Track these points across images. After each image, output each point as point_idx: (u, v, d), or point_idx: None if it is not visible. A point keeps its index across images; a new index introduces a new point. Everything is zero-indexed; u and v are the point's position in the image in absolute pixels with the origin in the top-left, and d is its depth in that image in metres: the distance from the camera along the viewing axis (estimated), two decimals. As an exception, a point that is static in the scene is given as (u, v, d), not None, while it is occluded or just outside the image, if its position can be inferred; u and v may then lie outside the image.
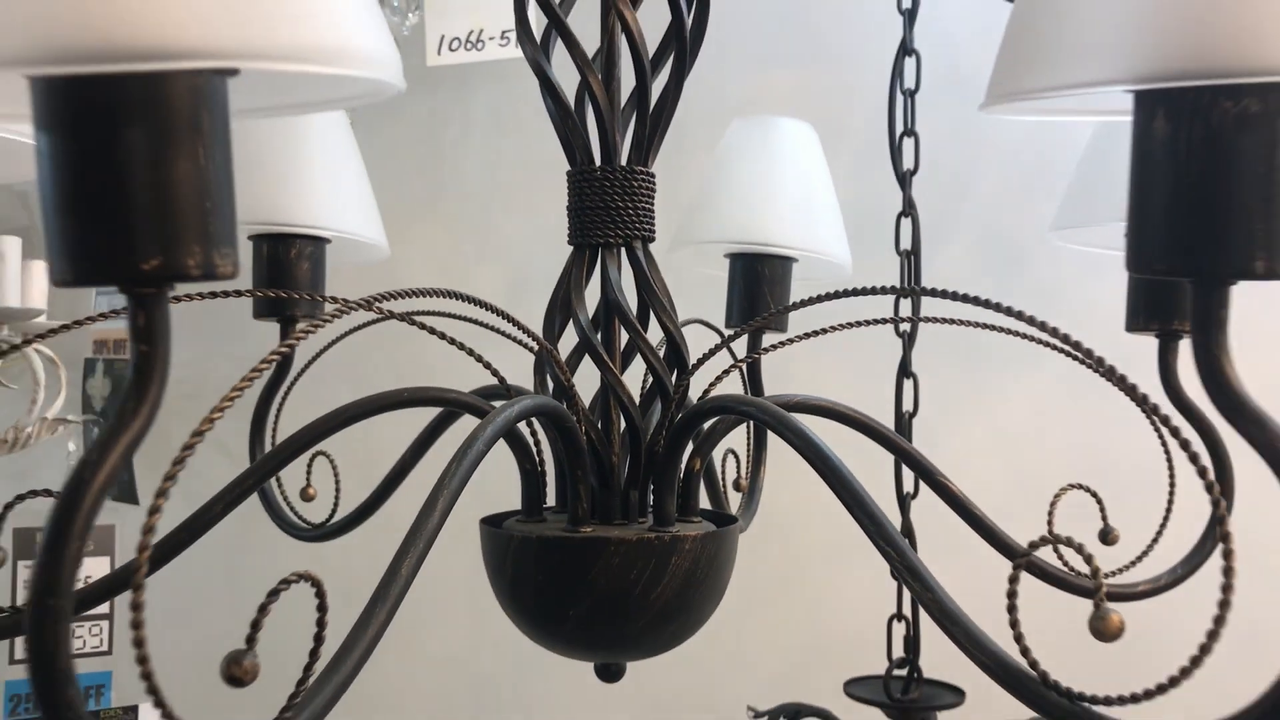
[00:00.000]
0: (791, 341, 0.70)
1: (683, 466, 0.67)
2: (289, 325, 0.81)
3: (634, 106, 0.67)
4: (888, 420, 0.99)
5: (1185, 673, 0.41)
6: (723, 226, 0.91)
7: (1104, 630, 0.44)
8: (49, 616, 0.33)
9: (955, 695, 1.15)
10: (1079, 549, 0.46)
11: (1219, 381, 0.43)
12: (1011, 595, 0.45)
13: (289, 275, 0.78)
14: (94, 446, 0.34)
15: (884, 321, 0.68)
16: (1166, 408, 0.76)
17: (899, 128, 1.20)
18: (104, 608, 1.16)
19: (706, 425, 0.67)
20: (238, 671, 0.37)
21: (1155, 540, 0.77)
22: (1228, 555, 0.41)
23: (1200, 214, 0.41)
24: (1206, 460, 0.74)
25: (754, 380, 0.88)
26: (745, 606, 1.61)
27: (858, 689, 1.17)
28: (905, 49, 1.20)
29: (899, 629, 1.17)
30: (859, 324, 0.66)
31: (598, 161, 0.67)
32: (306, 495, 0.82)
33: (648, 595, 0.61)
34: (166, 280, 0.34)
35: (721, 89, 1.53)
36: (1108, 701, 0.43)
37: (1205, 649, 0.41)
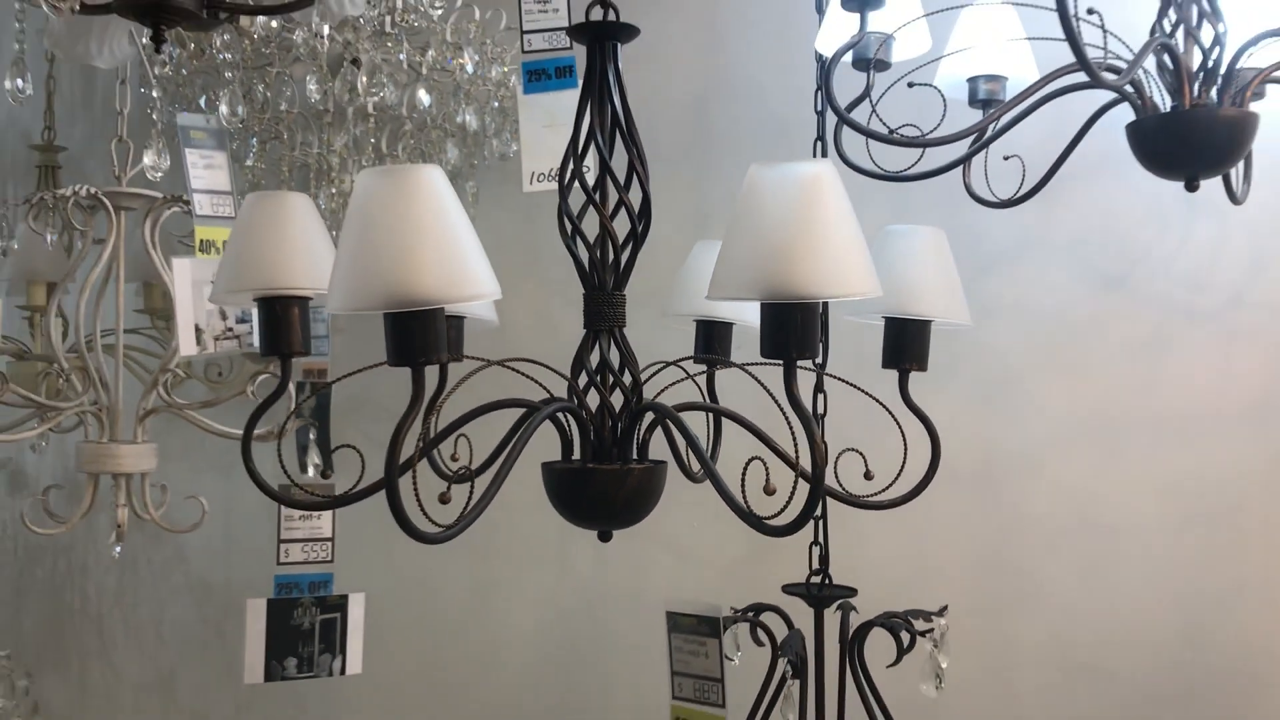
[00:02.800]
0: (726, 366, 1.40)
1: (640, 435, 1.37)
2: (444, 370, 1.53)
3: (618, 257, 1.38)
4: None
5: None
6: (688, 305, 1.62)
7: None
8: (394, 488, 1.06)
9: (849, 592, 1.84)
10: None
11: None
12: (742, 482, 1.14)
13: (458, 344, 1.51)
14: (399, 427, 1.06)
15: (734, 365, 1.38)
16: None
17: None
18: (328, 531, 1.91)
19: (648, 417, 1.38)
20: None
21: (894, 481, 1.44)
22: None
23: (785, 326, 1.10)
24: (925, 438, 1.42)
25: (711, 392, 1.57)
26: (708, 525, 2.32)
27: (791, 588, 1.86)
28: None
29: (815, 551, 1.87)
30: (728, 365, 1.36)
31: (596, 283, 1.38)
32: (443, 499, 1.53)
33: (616, 496, 1.31)
34: (429, 363, 1.07)
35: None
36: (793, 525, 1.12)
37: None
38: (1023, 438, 2.20)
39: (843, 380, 1.45)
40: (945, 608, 1.80)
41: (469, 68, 2.20)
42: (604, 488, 1.31)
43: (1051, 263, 2.18)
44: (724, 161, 2.47)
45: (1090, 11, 1.54)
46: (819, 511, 1.87)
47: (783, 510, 1.15)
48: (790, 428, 1.13)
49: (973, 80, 1.77)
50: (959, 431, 2.24)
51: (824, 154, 1.87)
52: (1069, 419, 2.16)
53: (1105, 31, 1.55)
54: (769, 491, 1.17)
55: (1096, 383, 2.14)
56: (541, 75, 1.86)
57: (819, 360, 1.79)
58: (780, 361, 1.12)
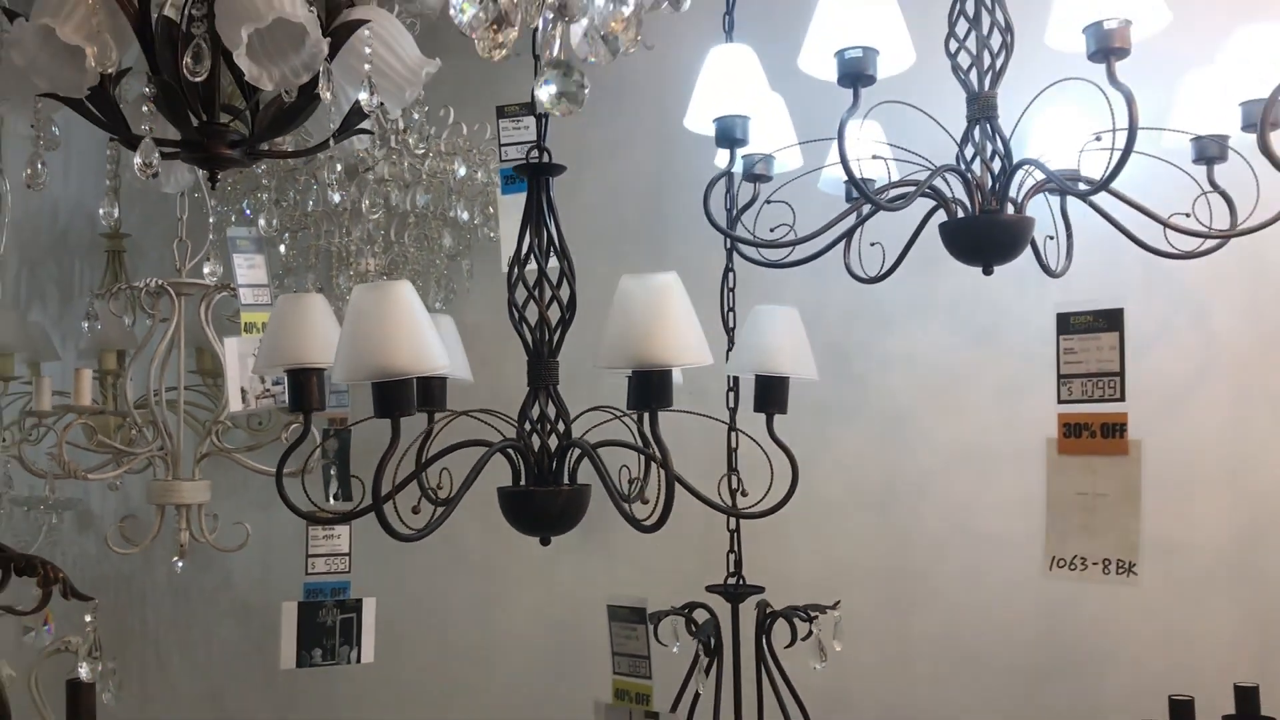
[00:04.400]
0: (619, 416, 1.88)
1: (570, 465, 1.84)
2: (431, 418, 2.02)
3: (551, 336, 1.86)
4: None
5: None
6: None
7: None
8: (379, 505, 1.54)
9: (758, 589, 2.31)
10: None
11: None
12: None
13: (436, 396, 2.00)
14: (381, 460, 1.54)
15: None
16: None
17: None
18: (345, 548, 2.40)
19: (575, 451, 1.86)
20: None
21: (764, 496, 1.91)
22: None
23: (646, 385, 1.58)
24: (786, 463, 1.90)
25: (649, 435, 2.04)
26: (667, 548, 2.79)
27: (713, 588, 2.34)
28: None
29: (731, 557, 2.34)
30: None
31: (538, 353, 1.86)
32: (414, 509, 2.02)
33: (549, 510, 1.79)
34: (402, 414, 1.56)
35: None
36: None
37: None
38: (915, 464, 2.67)
39: (719, 420, 1.93)
40: (838, 602, 2.26)
41: (460, 172, 2.71)
42: (541, 505, 1.79)
43: (935, 321, 2.65)
44: (673, 238, 2.97)
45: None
46: (733, 526, 2.34)
47: (652, 513, 1.62)
48: (647, 456, 1.61)
49: (847, 183, 2.25)
50: (865, 460, 2.71)
51: (733, 246, 2.35)
52: (951, 448, 2.62)
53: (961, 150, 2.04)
54: (625, 499, 1.65)
55: (973, 419, 2.61)
56: (515, 179, 2.35)
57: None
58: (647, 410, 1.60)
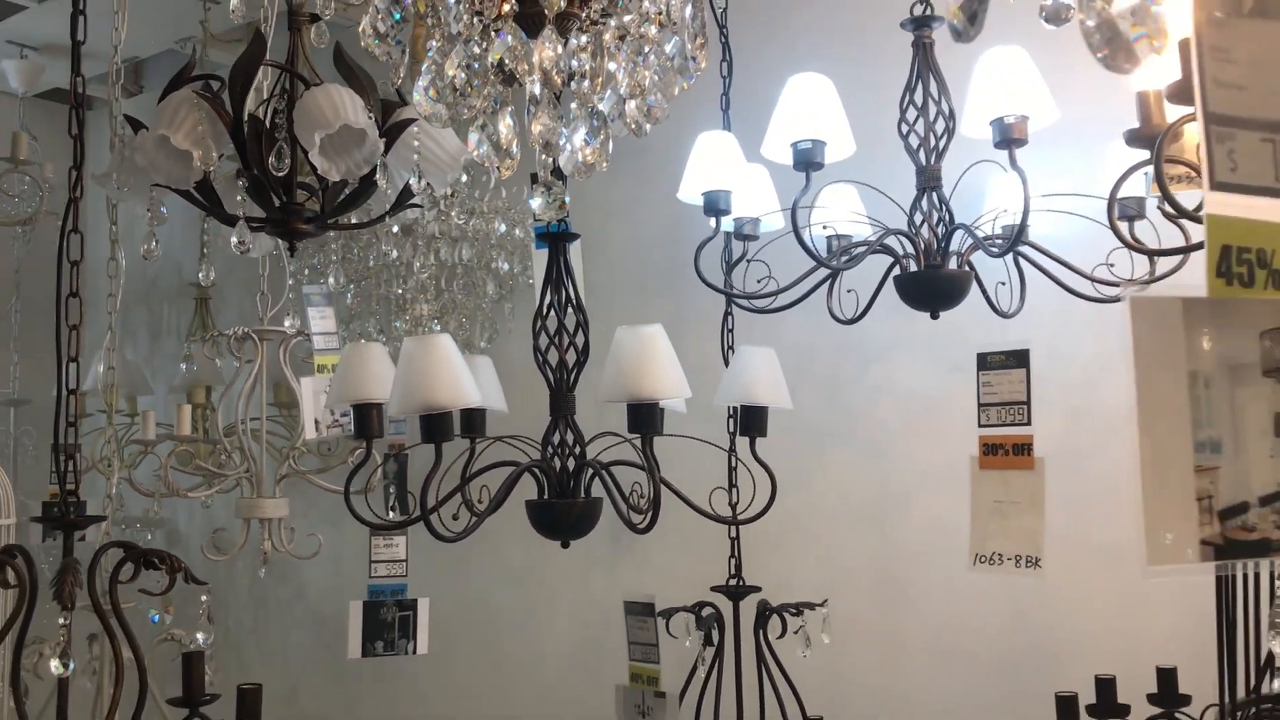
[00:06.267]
0: (623, 440, 2.26)
1: (586, 482, 2.23)
2: (473, 442, 2.42)
3: (569, 375, 2.26)
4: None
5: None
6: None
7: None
8: (426, 515, 1.94)
9: (755, 589, 2.68)
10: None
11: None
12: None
13: (477, 424, 2.39)
14: (427, 477, 1.94)
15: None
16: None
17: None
18: (403, 555, 2.80)
19: (589, 470, 2.24)
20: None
21: (749, 506, 2.28)
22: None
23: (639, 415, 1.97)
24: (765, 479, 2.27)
25: (646, 455, 2.42)
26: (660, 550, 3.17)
27: (716, 588, 2.71)
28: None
29: (732, 562, 2.71)
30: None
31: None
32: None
33: (568, 519, 2.17)
34: (444, 440, 1.95)
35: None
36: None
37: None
38: (901, 482, 3.02)
39: (716, 445, 2.31)
40: (826, 601, 2.63)
41: (500, 229, 3.13)
42: (560, 514, 2.18)
43: (916, 354, 3.02)
44: (688, 286, 3.35)
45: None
46: (733, 534, 2.72)
47: (646, 517, 2.00)
48: (654, 472, 2.00)
49: (829, 239, 2.63)
50: (856, 478, 3.08)
51: (731, 287, 2.72)
52: (932, 468, 2.98)
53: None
54: (637, 510, 2.04)
55: (950, 441, 2.96)
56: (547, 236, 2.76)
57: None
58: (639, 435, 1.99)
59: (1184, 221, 1.78)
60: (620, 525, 2.15)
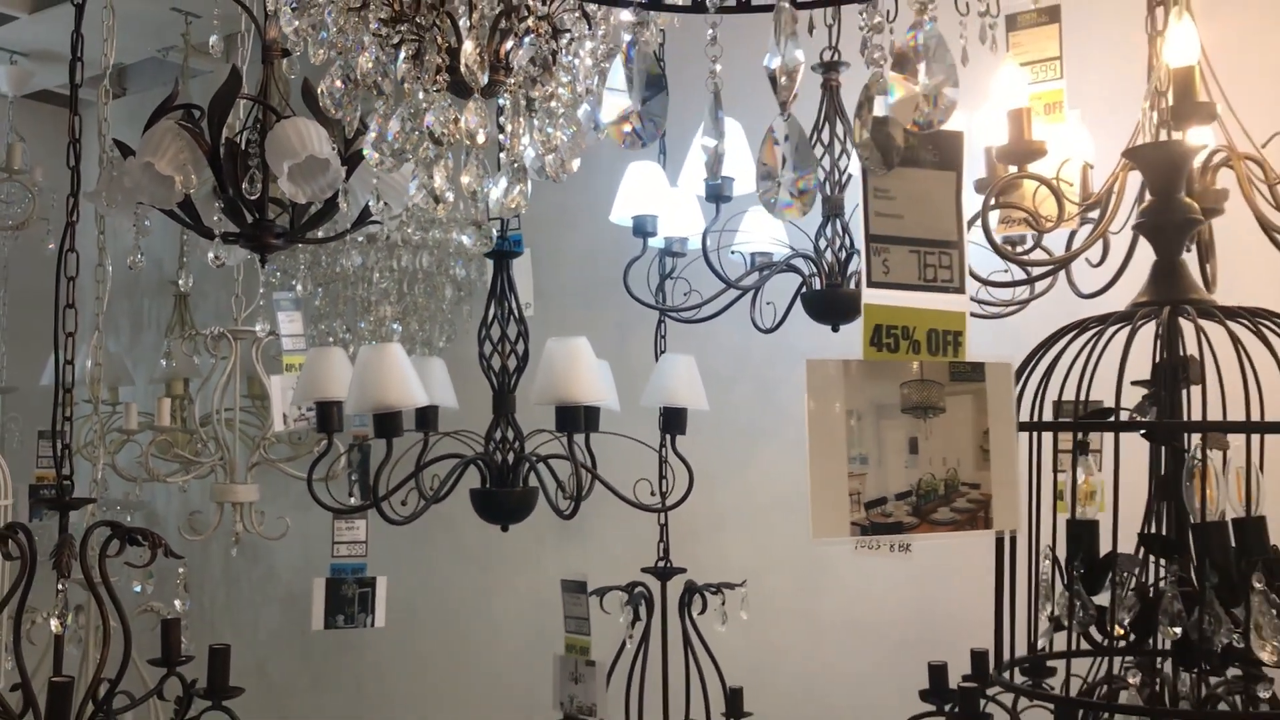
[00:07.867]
0: (556, 436, 2.54)
1: (523, 474, 2.51)
2: (426, 437, 2.69)
3: (508, 379, 2.53)
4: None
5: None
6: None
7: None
8: (377, 503, 2.22)
9: (680, 570, 2.97)
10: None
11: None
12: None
13: (430, 420, 2.67)
14: (378, 468, 2.22)
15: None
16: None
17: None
18: (363, 537, 3.08)
19: (527, 465, 2.52)
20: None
21: (683, 496, 2.56)
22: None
23: (566, 416, 2.25)
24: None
25: (572, 450, 2.70)
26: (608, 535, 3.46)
27: (646, 569, 3.00)
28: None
29: (660, 546, 3.00)
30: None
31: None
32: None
33: (507, 506, 2.45)
34: (394, 435, 2.23)
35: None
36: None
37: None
38: (820, 476, 3.32)
39: (643, 443, 2.60)
40: (745, 581, 2.92)
41: (458, 239, 3.40)
42: (500, 501, 2.46)
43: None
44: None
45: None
46: (663, 520, 3.00)
47: (573, 506, 2.29)
48: (577, 465, 2.28)
49: (751, 255, 2.91)
50: (783, 470, 3.37)
51: (664, 299, 3.01)
52: (847, 463, 3.27)
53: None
54: (567, 496, 2.32)
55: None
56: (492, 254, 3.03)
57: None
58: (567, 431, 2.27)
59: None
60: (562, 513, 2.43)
